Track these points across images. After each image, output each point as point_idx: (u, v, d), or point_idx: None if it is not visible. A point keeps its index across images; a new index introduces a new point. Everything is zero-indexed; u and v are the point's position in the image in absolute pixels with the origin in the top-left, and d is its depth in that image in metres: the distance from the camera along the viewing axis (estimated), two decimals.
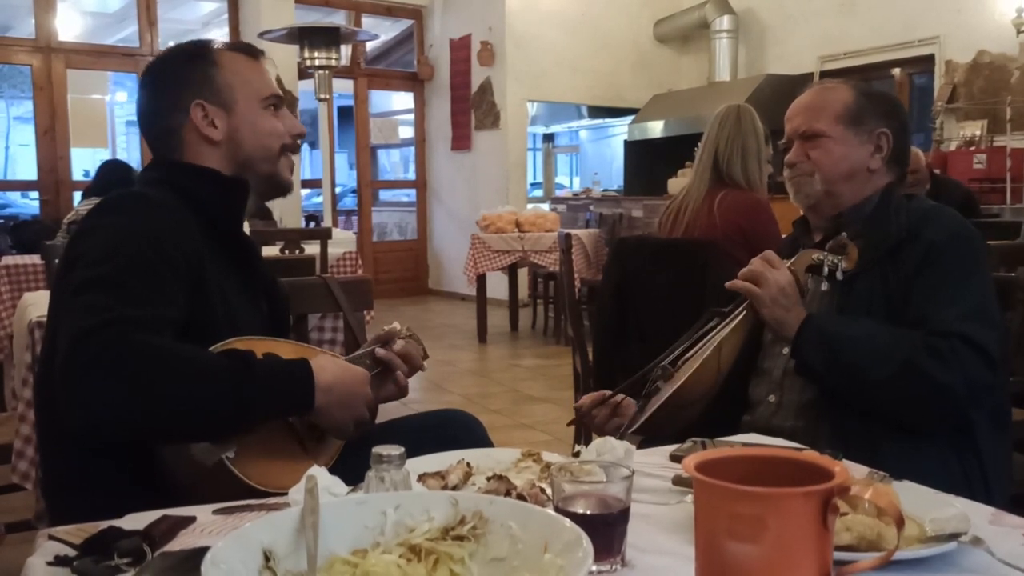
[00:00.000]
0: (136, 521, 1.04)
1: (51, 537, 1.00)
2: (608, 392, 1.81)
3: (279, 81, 7.73)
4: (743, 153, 3.13)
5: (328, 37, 6.61)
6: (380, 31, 10.16)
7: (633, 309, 3.06)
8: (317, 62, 6.61)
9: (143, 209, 1.45)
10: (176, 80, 1.58)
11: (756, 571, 0.67)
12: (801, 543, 0.66)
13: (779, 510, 0.66)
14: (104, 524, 1.02)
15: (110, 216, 1.43)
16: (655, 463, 1.31)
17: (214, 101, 1.56)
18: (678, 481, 1.20)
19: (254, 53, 1.64)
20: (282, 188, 1.65)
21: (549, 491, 1.07)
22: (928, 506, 1.05)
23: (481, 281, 7.25)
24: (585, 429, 3.21)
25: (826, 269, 1.69)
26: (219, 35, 10.46)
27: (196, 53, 1.59)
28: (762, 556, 0.66)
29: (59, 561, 0.95)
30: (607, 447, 1.19)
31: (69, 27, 9.42)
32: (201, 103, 1.55)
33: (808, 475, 0.70)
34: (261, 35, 6.88)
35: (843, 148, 1.77)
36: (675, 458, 1.32)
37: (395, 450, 0.99)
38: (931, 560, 0.93)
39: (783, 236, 2.16)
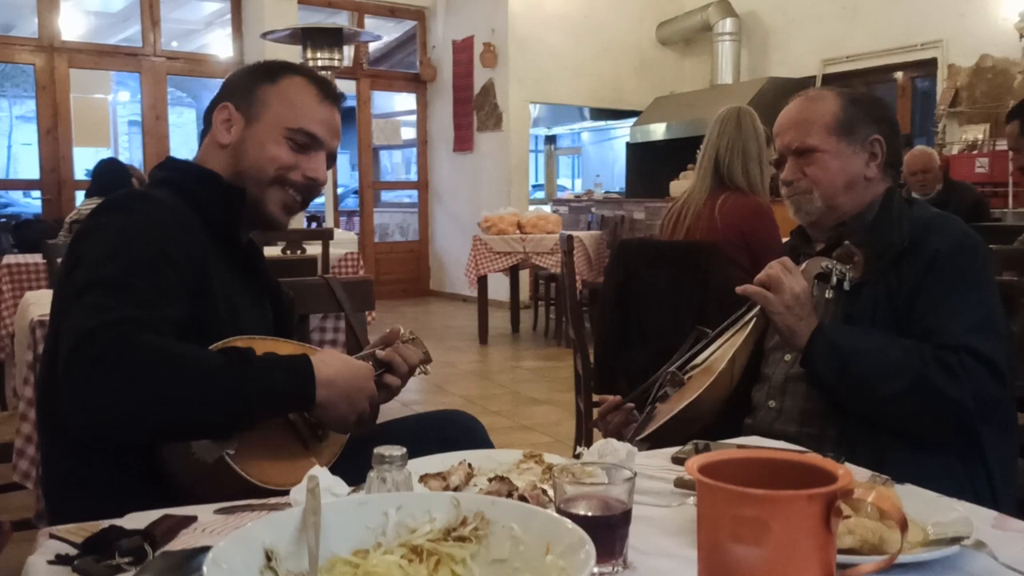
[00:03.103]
0: (137, 520, 1.04)
1: (52, 536, 1.00)
2: (620, 397, 1.81)
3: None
4: (744, 156, 3.12)
5: (331, 38, 6.61)
6: (383, 32, 10.17)
7: (634, 311, 3.06)
8: (320, 63, 6.60)
9: (147, 209, 1.44)
10: (231, 82, 1.63)
11: (759, 574, 0.67)
12: (804, 546, 0.66)
13: (782, 513, 0.66)
14: (105, 523, 1.02)
15: (113, 215, 1.43)
16: (657, 465, 1.31)
17: (242, 109, 1.57)
18: (680, 483, 1.20)
19: (327, 92, 1.63)
20: (266, 220, 1.60)
21: (551, 493, 1.07)
22: (930, 510, 1.05)
23: (482, 283, 7.25)
24: (588, 431, 3.22)
25: (834, 279, 1.67)
26: (222, 36, 10.48)
27: (267, 67, 1.63)
28: (765, 559, 0.66)
29: (60, 560, 0.95)
30: (609, 449, 1.18)
31: (72, 26, 9.43)
32: (228, 106, 1.58)
33: (811, 478, 0.69)
34: (264, 35, 6.88)
35: (839, 161, 1.74)
36: (677, 460, 1.32)
37: (397, 451, 0.98)
38: (933, 564, 0.93)
39: (783, 241, 2.15)
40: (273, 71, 1.61)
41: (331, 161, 1.64)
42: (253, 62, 1.68)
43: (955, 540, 0.95)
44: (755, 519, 0.66)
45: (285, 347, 1.45)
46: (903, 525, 0.65)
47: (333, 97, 1.63)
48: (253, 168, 1.55)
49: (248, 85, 1.59)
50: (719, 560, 0.69)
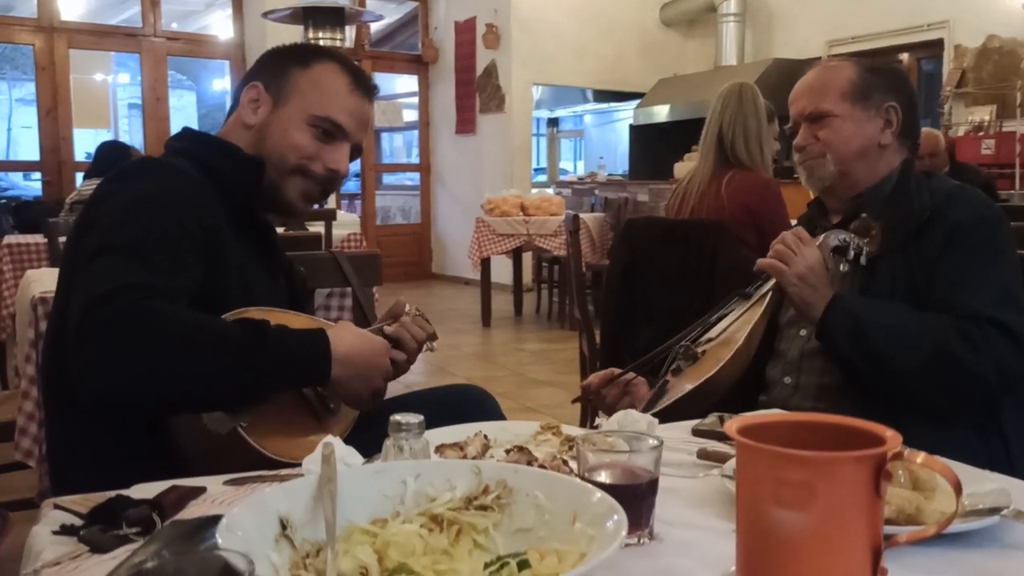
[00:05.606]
0: (144, 491, 1.01)
1: (57, 506, 0.97)
2: (617, 370, 1.76)
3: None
4: (744, 132, 3.09)
5: (332, 17, 6.55)
6: (384, 12, 10.10)
7: (641, 290, 3.03)
8: (321, 43, 6.55)
9: (164, 176, 1.41)
10: (264, 62, 1.59)
11: (803, 540, 0.63)
12: (852, 511, 0.63)
13: (830, 476, 0.62)
14: (112, 493, 0.99)
15: (130, 181, 1.40)
16: (676, 437, 1.27)
17: (271, 91, 1.53)
18: (703, 455, 1.17)
19: (360, 82, 1.57)
20: (284, 206, 1.55)
21: (571, 464, 1.03)
22: (965, 481, 1.01)
23: (485, 265, 7.21)
24: (592, 408, 3.19)
25: (851, 252, 1.64)
26: (222, 16, 10.39)
27: (302, 50, 1.60)
28: (810, 525, 0.63)
29: (65, 530, 0.92)
30: (628, 419, 1.15)
31: (71, 6, 9.35)
32: (257, 85, 1.54)
33: (857, 440, 0.66)
34: (265, 15, 6.83)
35: (852, 126, 1.72)
36: (697, 432, 1.28)
37: (414, 418, 0.95)
38: (971, 535, 0.90)
39: (797, 216, 2.11)
40: (307, 54, 1.57)
41: (356, 154, 1.58)
42: (290, 43, 1.64)
43: (994, 511, 0.92)
44: (801, 482, 0.62)
45: (299, 320, 1.42)
46: (958, 488, 0.62)
47: (365, 88, 1.58)
48: (275, 154, 1.51)
49: (280, 66, 1.56)
50: (761, 526, 0.65)
